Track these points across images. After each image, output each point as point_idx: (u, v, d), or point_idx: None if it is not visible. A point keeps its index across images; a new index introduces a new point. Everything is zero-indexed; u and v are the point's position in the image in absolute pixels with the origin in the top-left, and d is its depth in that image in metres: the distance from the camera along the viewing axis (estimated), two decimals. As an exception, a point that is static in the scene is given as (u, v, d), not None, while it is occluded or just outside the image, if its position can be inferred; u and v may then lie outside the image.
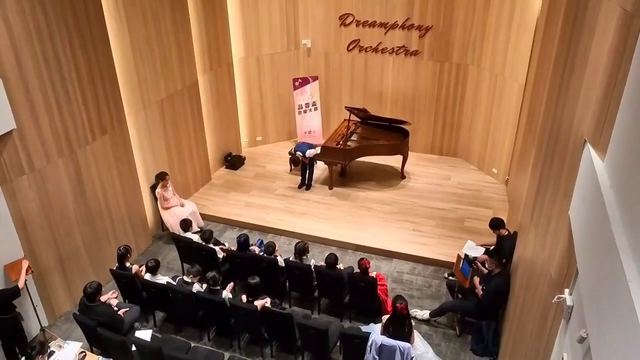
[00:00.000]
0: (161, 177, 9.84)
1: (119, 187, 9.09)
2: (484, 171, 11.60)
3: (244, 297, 7.41)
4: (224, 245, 8.96)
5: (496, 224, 8.13)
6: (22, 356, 7.40)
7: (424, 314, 7.97)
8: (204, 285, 7.71)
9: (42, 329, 8.07)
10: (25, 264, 7.36)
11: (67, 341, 7.15)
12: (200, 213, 10.28)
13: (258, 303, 7.23)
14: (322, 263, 8.12)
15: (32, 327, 7.94)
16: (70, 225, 8.27)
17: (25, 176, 7.45)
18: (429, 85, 11.75)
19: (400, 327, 6.77)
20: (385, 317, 7.00)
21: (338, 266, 7.92)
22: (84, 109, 8.09)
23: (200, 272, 7.88)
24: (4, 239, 7.37)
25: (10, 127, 7.03)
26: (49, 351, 6.69)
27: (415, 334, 6.97)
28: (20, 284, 7.18)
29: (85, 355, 6.81)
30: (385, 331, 6.82)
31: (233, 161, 12.30)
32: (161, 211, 9.91)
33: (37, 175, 7.60)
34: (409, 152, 11.44)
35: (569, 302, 3.88)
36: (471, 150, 11.86)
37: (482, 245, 8.45)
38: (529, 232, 6.36)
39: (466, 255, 8.17)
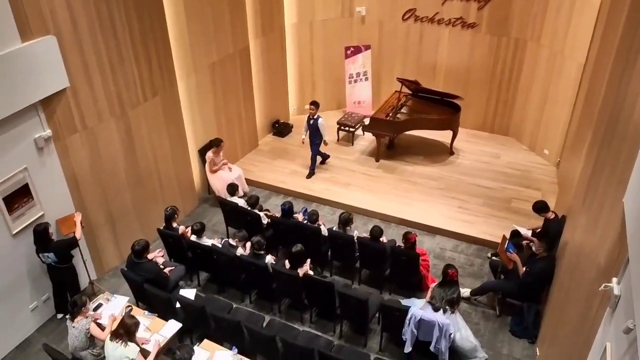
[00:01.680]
0: (216, 144, 9.93)
1: (168, 149, 9.25)
2: (535, 152, 11.32)
3: (286, 264, 7.51)
4: (268, 211, 9.06)
5: (540, 207, 7.96)
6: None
7: (465, 291, 7.91)
8: (248, 249, 7.84)
9: (91, 282, 8.38)
10: (78, 217, 7.63)
11: (115, 295, 7.41)
12: (245, 178, 10.42)
13: (300, 270, 7.32)
14: (365, 234, 8.14)
15: (82, 280, 8.23)
16: (120, 184, 8.48)
17: (78, 134, 7.64)
18: (484, 59, 11.44)
19: (447, 294, 6.84)
20: (432, 286, 7.06)
21: (381, 239, 7.93)
22: (136, 70, 8.21)
23: (246, 237, 8.01)
24: (56, 195, 7.63)
25: (64, 85, 7.20)
26: (96, 304, 6.95)
27: (459, 319, 6.99)
28: (78, 235, 7.47)
29: (132, 309, 7.03)
30: (431, 298, 6.89)
31: (280, 128, 12.34)
32: (208, 175, 10.06)
33: (90, 134, 7.79)
34: (459, 128, 11.23)
35: (616, 292, 3.79)
36: (523, 129, 11.56)
37: (529, 229, 8.31)
38: (580, 217, 6.22)
39: (512, 236, 8.07)
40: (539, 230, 8.12)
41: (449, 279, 6.95)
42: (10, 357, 7.48)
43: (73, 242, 7.48)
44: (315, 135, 10.52)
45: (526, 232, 8.23)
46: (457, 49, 11.61)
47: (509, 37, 10.99)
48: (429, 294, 7.04)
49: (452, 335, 6.57)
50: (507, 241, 7.65)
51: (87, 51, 7.39)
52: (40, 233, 7.21)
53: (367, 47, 12.26)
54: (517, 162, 11.05)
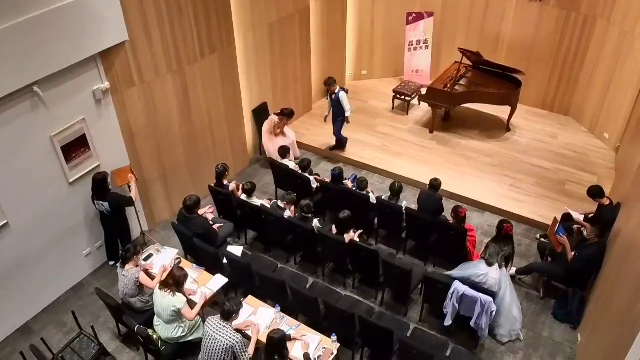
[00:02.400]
0: (288, 114, 9.96)
1: (222, 107, 9.34)
2: (594, 134, 10.95)
3: (333, 229, 7.58)
4: (318, 175, 9.12)
5: (595, 192, 7.77)
6: (122, 252, 8.06)
7: (511, 269, 7.86)
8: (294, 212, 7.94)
9: (142, 233, 8.67)
10: (132, 180, 7.82)
11: (165, 246, 7.65)
12: (297, 141, 10.46)
13: (347, 236, 7.38)
14: (413, 205, 8.12)
15: (134, 230, 8.52)
16: (174, 139, 8.64)
17: (135, 88, 7.77)
18: (550, 34, 11.01)
19: (502, 249, 6.98)
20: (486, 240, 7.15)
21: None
22: (195, 26, 8.25)
23: (295, 201, 8.12)
24: (112, 146, 7.86)
25: (123, 39, 7.31)
26: (147, 254, 7.19)
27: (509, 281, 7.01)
28: (134, 197, 7.70)
29: (181, 261, 7.26)
30: (484, 253, 7.02)
31: (336, 93, 12.29)
32: (264, 136, 10.11)
33: (146, 88, 7.92)
34: (518, 104, 10.95)
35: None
36: (584, 110, 11.16)
37: (581, 213, 8.14)
38: (636, 206, 6.06)
39: (563, 219, 7.91)
40: (591, 215, 7.95)
41: (504, 233, 6.99)
42: (65, 297, 7.87)
43: (129, 202, 7.74)
44: (338, 112, 10.20)
45: (578, 216, 8.06)
46: (523, 22, 11.21)
47: (579, 13, 10.53)
48: (483, 249, 7.11)
49: (493, 313, 6.55)
50: (558, 224, 7.51)
51: (147, 5, 7.45)
52: (99, 182, 7.46)
53: (430, 14, 12.00)
54: (574, 144, 10.74)
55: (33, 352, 6.02)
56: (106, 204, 7.55)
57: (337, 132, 10.44)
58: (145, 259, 7.26)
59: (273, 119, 9.99)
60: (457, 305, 6.65)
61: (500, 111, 11.26)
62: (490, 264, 6.89)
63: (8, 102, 6.32)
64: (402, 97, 11.70)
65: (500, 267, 6.90)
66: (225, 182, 8.41)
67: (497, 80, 10.90)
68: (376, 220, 8.45)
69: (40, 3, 6.15)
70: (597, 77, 10.61)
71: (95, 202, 7.62)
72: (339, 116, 10.24)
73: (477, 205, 9.28)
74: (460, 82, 10.99)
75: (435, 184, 8.09)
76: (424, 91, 11.07)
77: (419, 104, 11.64)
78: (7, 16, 5.88)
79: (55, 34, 6.41)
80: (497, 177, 9.82)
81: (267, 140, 10.08)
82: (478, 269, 6.96)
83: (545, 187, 9.58)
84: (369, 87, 12.77)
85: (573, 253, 7.17)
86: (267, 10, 9.77)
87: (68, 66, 6.76)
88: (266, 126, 10.10)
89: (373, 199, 8.28)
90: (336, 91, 10.01)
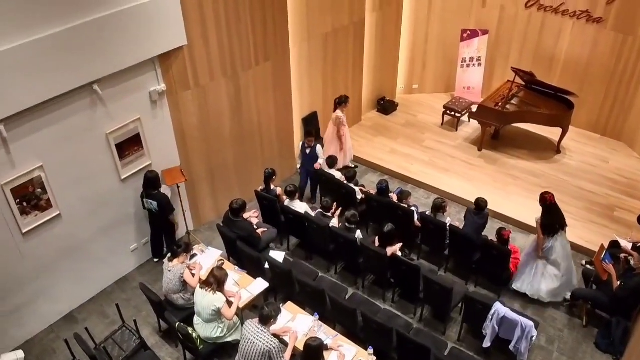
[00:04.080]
0: (346, 101, 9.79)
1: (272, 114, 9.47)
2: (647, 160, 10.70)
3: (376, 241, 7.59)
4: (363, 187, 9.14)
5: None
6: (167, 249, 8.23)
7: (567, 294, 7.81)
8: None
9: (188, 232, 8.85)
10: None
11: (209, 247, 7.80)
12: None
13: (389, 249, 7.39)
14: (457, 223, 8.08)
15: (180, 229, 8.71)
16: (223, 142, 8.80)
17: (190, 91, 7.97)
18: (606, 57, 10.80)
19: (555, 217, 7.43)
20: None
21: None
22: (251, 33, 8.40)
23: (332, 206, 8.22)
24: (164, 146, 8.07)
25: (182, 43, 7.51)
26: (192, 252, 7.35)
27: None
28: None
29: (224, 262, 7.39)
30: (541, 228, 7.46)
31: (385, 106, 12.31)
32: (332, 137, 10.00)
33: (201, 92, 8.10)
34: (569, 126, 10.75)
35: None
36: (637, 136, 10.87)
37: (630, 241, 7.94)
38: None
39: (611, 246, 7.74)
40: (640, 244, 7.76)
41: (549, 203, 7.48)
42: (110, 289, 8.12)
43: (172, 209, 7.98)
44: (310, 163, 9.47)
45: (627, 244, 7.86)
46: (578, 43, 11.03)
47: (636, 37, 10.30)
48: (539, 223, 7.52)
49: (534, 338, 6.46)
50: (605, 251, 7.35)
51: (207, 10, 7.62)
52: (151, 180, 7.68)
53: (485, 32, 11.93)
54: (626, 169, 10.48)
55: (77, 340, 6.20)
56: (155, 203, 7.74)
57: (314, 184, 9.82)
58: (190, 259, 7.41)
59: (338, 115, 9.76)
60: (497, 327, 6.58)
61: (551, 132, 11.08)
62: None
63: (69, 98, 6.58)
64: (452, 113, 11.65)
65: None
66: (272, 186, 8.52)
67: (549, 101, 10.75)
68: (419, 235, 8.41)
69: (106, 5, 6.41)
70: (652, 103, 10.35)
71: (144, 199, 7.83)
72: (311, 167, 9.50)
73: (522, 227, 9.15)
74: (512, 101, 10.88)
75: (481, 204, 8.03)
76: (474, 108, 11.00)
77: (469, 121, 11.56)
78: (75, 15, 6.15)
79: (119, 35, 6.65)
80: (544, 200, 9.66)
81: (330, 151, 9.96)
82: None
83: (593, 212, 9.38)
84: (419, 101, 12.76)
85: (619, 282, 7.01)
86: (323, 21, 9.87)
87: (128, 67, 6.98)
88: (331, 125, 9.95)
89: (417, 215, 8.27)
90: (312, 145, 9.39)
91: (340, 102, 9.76)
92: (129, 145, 7.56)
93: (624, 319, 7.13)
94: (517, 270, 7.86)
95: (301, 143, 9.47)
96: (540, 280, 7.67)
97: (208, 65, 7.99)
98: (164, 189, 8.02)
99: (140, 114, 7.52)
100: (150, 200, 7.76)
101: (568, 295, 7.75)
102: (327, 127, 10.13)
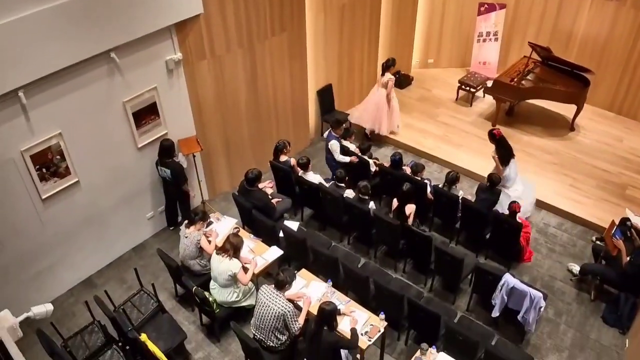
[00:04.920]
0: (392, 63, 10.03)
1: (288, 86, 9.50)
2: (661, 141, 10.67)
3: (394, 202, 7.75)
4: (377, 159, 9.22)
5: None
6: (181, 218, 8.36)
7: (574, 267, 7.93)
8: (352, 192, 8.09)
9: (203, 202, 8.98)
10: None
11: (225, 216, 7.93)
12: (358, 125, 10.57)
13: (407, 208, 7.58)
14: (470, 197, 8.16)
15: (195, 199, 8.84)
16: (239, 114, 8.86)
17: (206, 61, 8.00)
18: (625, 35, 10.68)
19: (506, 147, 8.58)
20: None
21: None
22: (268, 3, 8.38)
23: (345, 177, 8.27)
24: (180, 116, 8.15)
25: (199, 11, 7.52)
26: (208, 220, 7.49)
27: None
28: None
29: (239, 230, 7.52)
30: (499, 159, 8.52)
31: (400, 80, 12.27)
32: (373, 113, 10.37)
33: (217, 62, 8.13)
34: (585, 104, 10.71)
35: None
36: (654, 115, 10.87)
37: (641, 217, 8.02)
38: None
39: (621, 222, 7.80)
40: (652, 221, 7.81)
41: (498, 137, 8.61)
42: (127, 256, 8.30)
43: (185, 177, 8.08)
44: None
45: (637, 220, 7.93)
46: (597, 21, 10.91)
47: (656, 15, 10.22)
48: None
49: (542, 309, 6.58)
50: (616, 227, 7.42)
51: (223, -24, 7.60)
52: (167, 148, 7.78)
53: (502, 6, 11.83)
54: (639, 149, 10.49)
55: (97, 302, 6.38)
56: (168, 171, 7.86)
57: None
58: (206, 227, 7.55)
59: (388, 77, 9.99)
60: (505, 297, 6.70)
61: (566, 110, 11.05)
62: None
63: (87, 66, 6.64)
64: (467, 88, 11.63)
65: None
66: (283, 157, 8.57)
67: (565, 77, 10.70)
68: (432, 208, 8.52)
69: (123, -28, 6.43)
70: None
71: (159, 167, 7.95)
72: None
73: (534, 203, 9.20)
74: (528, 77, 10.83)
75: (494, 179, 8.07)
76: (489, 84, 10.98)
77: (484, 96, 11.54)
78: (92, -17, 6.18)
79: (136, 3, 6.68)
80: (557, 176, 9.70)
81: (379, 116, 10.33)
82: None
83: (605, 190, 9.41)
84: (434, 76, 12.73)
85: (628, 258, 7.09)
86: (340, -7, 9.80)
87: (144, 35, 7.02)
88: (373, 99, 10.27)
89: (430, 188, 8.36)
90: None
91: (388, 65, 9.95)
92: (146, 115, 7.64)
93: (632, 294, 7.22)
94: None
95: (328, 131, 9.21)
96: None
97: (224, 34, 8.01)
98: (180, 159, 8.15)
99: (156, 83, 7.58)
100: (163, 168, 7.88)
101: (526, 213, 8.72)
102: (370, 92, 10.37)
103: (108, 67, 6.91)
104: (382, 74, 10.03)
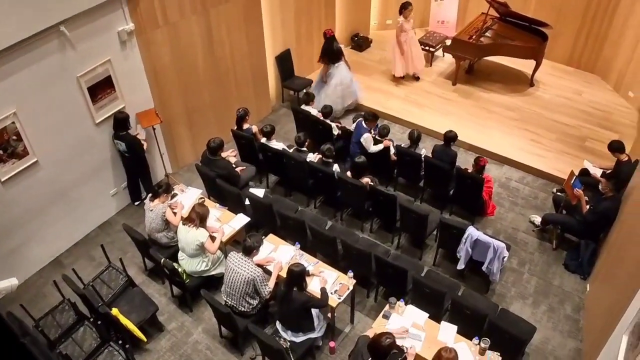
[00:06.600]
0: (404, 6, 10.39)
1: (246, 51, 9.39)
2: (619, 93, 10.80)
3: (349, 173, 7.75)
4: (339, 122, 9.23)
5: (616, 146, 7.80)
6: (146, 192, 8.29)
7: (536, 218, 8.11)
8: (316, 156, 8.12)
9: (167, 175, 8.91)
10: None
11: (189, 187, 7.90)
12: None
13: (363, 180, 7.56)
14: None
15: (158, 172, 8.79)
16: (198, 82, 8.76)
17: (160, 29, 7.86)
18: (582, -12, 10.81)
19: (332, 49, 9.71)
20: None
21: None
22: (219, -33, 8.22)
23: (306, 140, 8.29)
24: (137, 88, 8.01)
25: (148, -22, 7.36)
26: (172, 192, 7.44)
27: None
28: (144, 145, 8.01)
29: (204, 200, 7.50)
30: (325, 58, 9.80)
31: (359, 42, 12.25)
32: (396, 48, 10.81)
33: (171, 30, 7.99)
34: (544, 59, 10.83)
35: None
36: (611, 68, 10.99)
37: (596, 166, 8.21)
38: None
39: (580, 174, 7.99)
40: (609, 171, 8.00)
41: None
42: (94, 234, 8.23)
43: (141, 146, 7.96)
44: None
45: (595, 171, 8.13)
46: (554, -27, 10.98)
47: (612, -34, 10.29)
48: None
49: (505, 258, 6.75)
50: (575, 177, 7.60)
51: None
52: (120, 120, 7.66)
53: (458, -37, 11.82)
54: (598, 102, 10.64)
55: (65, 281, 6.33)
56: (123, 144, 7.77)
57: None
58: (170, 199, 7.50)
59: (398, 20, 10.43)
60: (470, 250, 6.85)
61: (525, 66, 11.17)
62: None
63: (36, 41, 6.47)
64: (427, 47, 11.62)
65: None
66: (246, 125, 8.53)
67: (523, 33, 10.76)
68: (396, 168, 8.59)
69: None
70: (626, 35, 10.39)
71: (115, 141, 7.85)
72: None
73: (496, 158, 9.35)
74: (486, 33, 10.88)
75: (450, 136, 8.09)
76: (448, 42, 11.01)
77: (443, 55, 11.61)
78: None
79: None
80: (518, 132, 9.85)
81: (413, 57, 10.84)
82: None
83: (565, 143, 9.59)
84: (393, 37, 12.65)
85: (588, 206, 7.28)
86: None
87: (94, 6, 6.85)
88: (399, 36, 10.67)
89: (392, 149, 8.41)
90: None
91: (401, 9, 10.25)
92: (102, 89, 7.49)
93: (591, 241, 7.44)
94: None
95: (359, 121, 8.68)
96: (335, 101, 9.94)
97: (177, 1, 7.86)
98: (140, 132, 8.04)
99: (110, 56, 7.42)
100: (119, 142, 7.79)
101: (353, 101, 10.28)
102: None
103: (59, 41, 6.74)
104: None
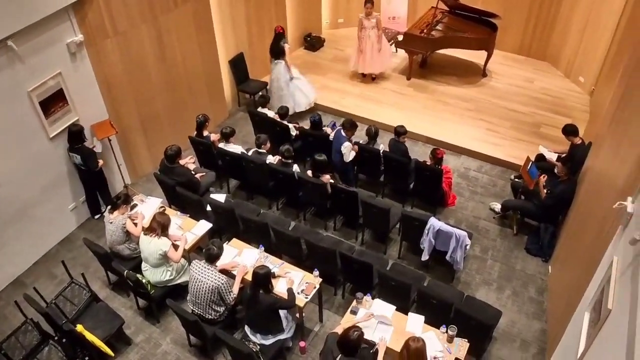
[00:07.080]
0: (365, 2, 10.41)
1: (198, 58, 9.35)
2: (570, 79, 11.10)
3: (309, 172, 7.77)
4: (297, 123, 9.23)
5: (570, 130, 7.98)
6: (105, 205, 8.16)
7: (496, 205, 8.26)
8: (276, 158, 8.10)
9: (126, 186, 8.78)
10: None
11: (149, 197, 7.80)
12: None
13: (324, 178, 7.58)
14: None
15: (117, 184, 8.66)
16: (151, 90, 8.68)
17: (109, 40, 7.77)
18: (527, -23, 11.02)
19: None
20: None
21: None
22: (167, -25, 8.17)
23: (267, 140, 8.26)
24: (90, 100, 7.88)
25: (95, -11, 7.25)
26: (132, 203, 7.34)
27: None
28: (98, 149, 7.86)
29: (165, 209, 7.42)
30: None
31: (312, 42, 12.30)
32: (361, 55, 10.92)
33: (121, 39, 7.91)
34: (494, 50, 11.02)
35: (629, 209, 3.92)
36: (561, 55, 11.28)
37: (550, 151, 8.40)
38: (604, 141, 6.28)
39: (537, 159, 8.15)
40: (564, 155, 8.19)
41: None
42: (55, 251, 8.06)
43: (95, 158, 7.81)
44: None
45: (551, 155, 8.31)
46: (499, -35, 11.17)
47: (556, -45, 10.53)
48: None
49: (467, 246, 6.86)
50: (532, 163, 7.76)
51: (115, -47, 7.37)
52: (74, 133, 7.52)
53: (406, -40, 11.94)
54: (550, 88, 10.89)
55: (27, 301, 6.19)
56: (79, 157, 7.64)
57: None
58: (130, 209, 7.40)
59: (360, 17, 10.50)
60: (433, 240, 6.93)
61: (477, 57, 11.37)
62: None
63: (-16, 58, 6.32)
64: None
65: None
66: (205, 132, 8.49)
67: (473, 24, 10.95)
68: (355, 165, 8.61)
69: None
70: (573, 22, 10.66)
71: (70, 154, 7.72)
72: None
73: (454, 149, 9.48)
74: (437, 27, 11.02)
75: (399, 130, 8.16)
76: (400, 38, 11.12)
77: (396, 51, 11.70)
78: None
79: (25, -14, 6.35)
80: (474, 122, 10.01)
81: (366, 58, 10.73)
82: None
83: (520, 131, 9.79)
84: (346, 36, 12.77)
85: (545, 190, 7.44)
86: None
87: (41, 19, 6.72)
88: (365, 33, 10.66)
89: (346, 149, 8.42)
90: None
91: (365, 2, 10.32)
92: (54, 102, 7.35)
93: (550, 224, 7.61)
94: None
95: (337, 130, 8.51)
96: (300, 95, 10.11)
97: (125, 10, 7.78)
98: (96, 144, 7.92)
99: (60, 68, 7.29)
100: (74, 154, 7.65)
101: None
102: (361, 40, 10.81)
103: (7, 56, 6.58)
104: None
